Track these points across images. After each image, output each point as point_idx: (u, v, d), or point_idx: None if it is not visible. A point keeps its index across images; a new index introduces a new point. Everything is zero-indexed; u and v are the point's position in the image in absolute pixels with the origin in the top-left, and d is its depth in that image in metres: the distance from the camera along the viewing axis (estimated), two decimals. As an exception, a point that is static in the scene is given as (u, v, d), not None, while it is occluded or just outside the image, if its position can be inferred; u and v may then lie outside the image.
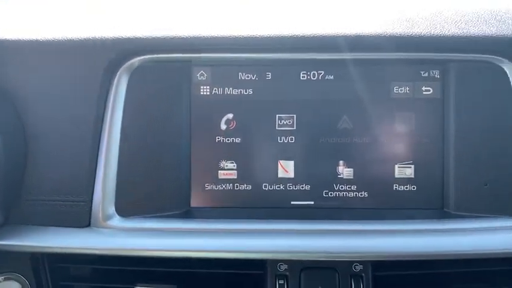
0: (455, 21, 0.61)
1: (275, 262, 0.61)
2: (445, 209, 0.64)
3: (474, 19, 0.62)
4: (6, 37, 0.61)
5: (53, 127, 0.61)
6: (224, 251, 0.60)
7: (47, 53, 0.61)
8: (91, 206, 0.61)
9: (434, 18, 0.62)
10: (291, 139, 0.65)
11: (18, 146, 0.60)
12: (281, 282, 0.61)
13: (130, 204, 0.62)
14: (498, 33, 0.60)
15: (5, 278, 0.64)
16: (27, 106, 0.61)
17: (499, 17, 0.62)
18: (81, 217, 0.61)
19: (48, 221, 0.61)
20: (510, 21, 0.62)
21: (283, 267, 0.61)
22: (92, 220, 0.61)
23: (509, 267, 0.61)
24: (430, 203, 0.64)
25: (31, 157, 0.61)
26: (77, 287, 0.65)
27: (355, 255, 0.60)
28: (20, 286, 0.65)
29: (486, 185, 0.62)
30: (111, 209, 0.62)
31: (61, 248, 0.60)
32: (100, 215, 0.61)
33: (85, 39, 0.60)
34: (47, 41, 0.60)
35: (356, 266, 0.61)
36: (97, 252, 0.60)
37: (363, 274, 0.61)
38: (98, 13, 0.64)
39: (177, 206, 0.64)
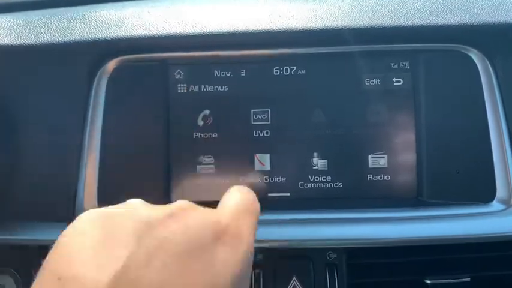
0: (421, 12, 0.63)
1: (251, 252, 0.63)
2: (419, 197, 0.65)
3: (439, 9, 0.63)
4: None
5: (38, 130, 0.64)
6: (202, 242, 0.62)
7: (30, 58, 0.64)
8: (74, 202, 0.64)
9: (400, 10, 0.63)
10: (266, 133, 0.66)
11: (6, 149, 0.64)
12: (257, 271, 0.62)
13: (112, 200, 0.63)
14: (463, 23, 0.61)
15: (-4, 272, 0.67)
16: (12, 110, 0.64)
17: (465, 6, 0.63)
18: (65, 212, 0.63)
19: (35, 216, 0.64)
20: (475, 10, 0.62)
21: (259, 256, 0.62)
22: (76, 215, 0.63)
23: (480, 253, 0.61)
24: (404, 191, 0.65)
25: (19, 158, 0.64)
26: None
27: (328, 243, 0.61)
28: (12, 280, 0.68)
29: (458, 172, 0.63)
30: (94, 205, 0.64)
31: (47, 241, 0.62)
32: (83, 210, 0.63)
33: (62, 43, 0.63)
34: (29, 45, 0.64)
35: (330, 254, 0.62)
36: (80, 244, 0.63)
37: (337, 262, 0.62)
38: (78, 19, 0.67)
39: (158, 201, 0.66)
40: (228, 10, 0.68)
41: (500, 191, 0.61)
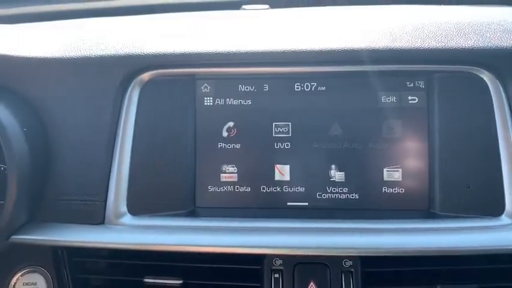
0: (436, 35, 0.66)
1: (271, 257, 0.66)
2: (431, 210, 0.68)
3: (454, 33, 0.67)
4: (33, 55, 0.69)
5: (73, 134, 0.69)
6: (225, 246, 0.65)
7: (69, 69, 0.69)
8: (105, 205, 0.68)
9: (417, 33, 0.67)
10: (287, 145, 0.70)
11: (42, 152, 0.68)
12: (276, 276, 0.66)
13: (140, 204, 0.69)
14: (476, 46, 0.65)
15: (29, 270, 0.71)
16: (51, 116, 0.69)
17: (478, 30, 0.67)
18: (96, 215, 0.68)
19: (66, 218, 0.68)
20: (488, 34, 0.66)
21: (279, 262, 0.66)
22: (106, 218, 0.68)
23: (489, 265, 0.64)
24: (417, 204, 0.69)
25: (53, 162, 0.69)
26: (92, 280, 0.72)
27: (344, 251, 0.64)
28: (43, 279, 0.71)
29: (469, 187, 0.66)
30: (123, 208, 0.68)
31: (77, 242, 0.67)
32: (113, 213, 0.68)
33: (101, 56, 0.68)
34: (69, 58, 0.69)
35: (346, 262, 0.65)
36: (109, 246, 0.67)
37: (353, 270, 0.65)
38: (112, 34, 0.72)
39: (183, 205, 0.70)
40: (253, 30, 0.72)
41: (509, 206, 0.65)
